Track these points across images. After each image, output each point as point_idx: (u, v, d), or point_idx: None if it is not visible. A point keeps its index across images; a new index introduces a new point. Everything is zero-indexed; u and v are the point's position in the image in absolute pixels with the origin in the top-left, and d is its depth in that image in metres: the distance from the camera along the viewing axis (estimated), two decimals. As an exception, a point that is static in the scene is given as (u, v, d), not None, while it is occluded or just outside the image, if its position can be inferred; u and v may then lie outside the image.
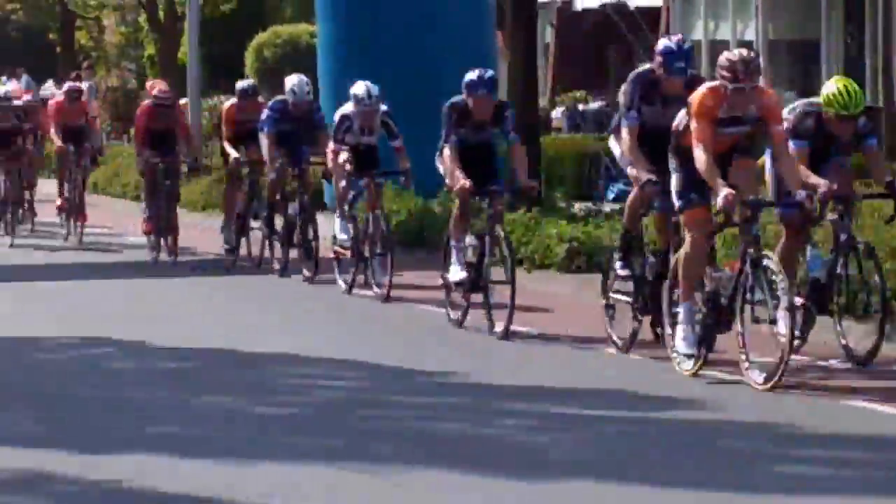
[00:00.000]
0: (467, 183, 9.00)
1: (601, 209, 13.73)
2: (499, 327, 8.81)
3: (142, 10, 25.12)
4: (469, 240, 9.08)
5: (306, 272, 12.23)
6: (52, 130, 14.86)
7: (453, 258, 8.94)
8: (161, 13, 24.00)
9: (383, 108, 11.34)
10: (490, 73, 10.02)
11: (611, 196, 11.80)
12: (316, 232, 12.09)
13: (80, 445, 5.98)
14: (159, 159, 13.02)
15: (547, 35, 24.77)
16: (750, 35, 21.88)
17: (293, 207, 12.34)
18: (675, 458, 5.13)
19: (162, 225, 13.32)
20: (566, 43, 25.04)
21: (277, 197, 12.73)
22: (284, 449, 5.91)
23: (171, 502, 4.75)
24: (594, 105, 20.39)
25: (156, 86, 14.25)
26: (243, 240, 13.55)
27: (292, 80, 12.67)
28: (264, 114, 12.41)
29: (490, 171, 9.52)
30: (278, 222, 12.78)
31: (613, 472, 4.84)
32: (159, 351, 9.52)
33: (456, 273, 8.85)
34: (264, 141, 12.18)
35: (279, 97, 12.70)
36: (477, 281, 9.03)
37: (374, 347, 8.64)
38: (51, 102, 15.91)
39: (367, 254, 11.06)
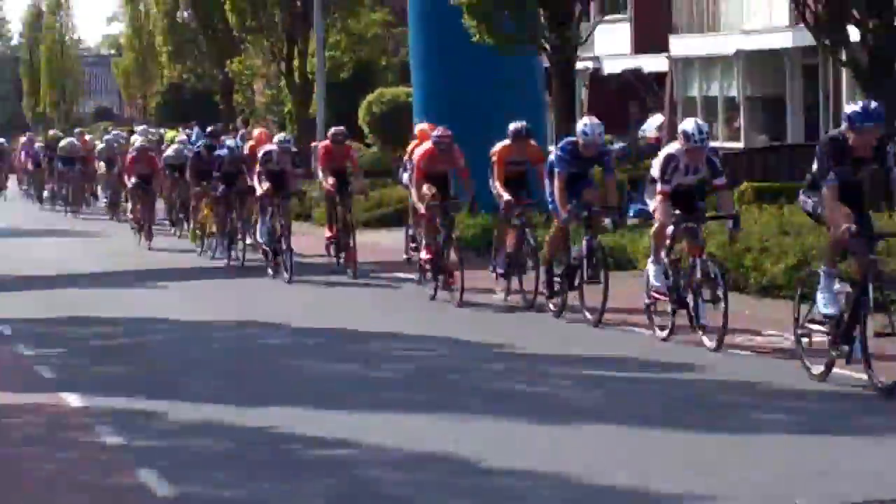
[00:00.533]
0: (852, 227, 6.24)
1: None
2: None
3: (282, 77, 26.24)
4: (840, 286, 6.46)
5: (588, 315, 9.00)
6: (322, 173, 13.17)
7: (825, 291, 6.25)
8: (297, 79, 24.96)
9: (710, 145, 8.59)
10: (875, 104, 6.92)
11: (631, 213, 10.39)
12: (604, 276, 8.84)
13: (248, 401, 5.83)
14: (438, 201, 10.23)
15: (582, 93, 25.02)
16: (733, 92, 21.99)
17: (576, 250, 9.27)
18: None
19: (441, 263, 10.28)
20: (596, 99, 25.42)
21: (562, 241, 9.60)
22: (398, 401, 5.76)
23: (318, 442, 4.76)
24: (617, 146, 20.46)
25: (432, 129, 11.59)
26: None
27: (584, 121, 9.75)
28: (553, 154, 9.66)
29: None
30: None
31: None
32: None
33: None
34: (556, 182, 9.16)
35: (569, 138, 9.79)
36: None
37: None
38: (319, 146, 14.51)
39: (689, 299, 7.97)
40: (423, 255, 10.13)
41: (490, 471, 3.86)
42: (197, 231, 14.94)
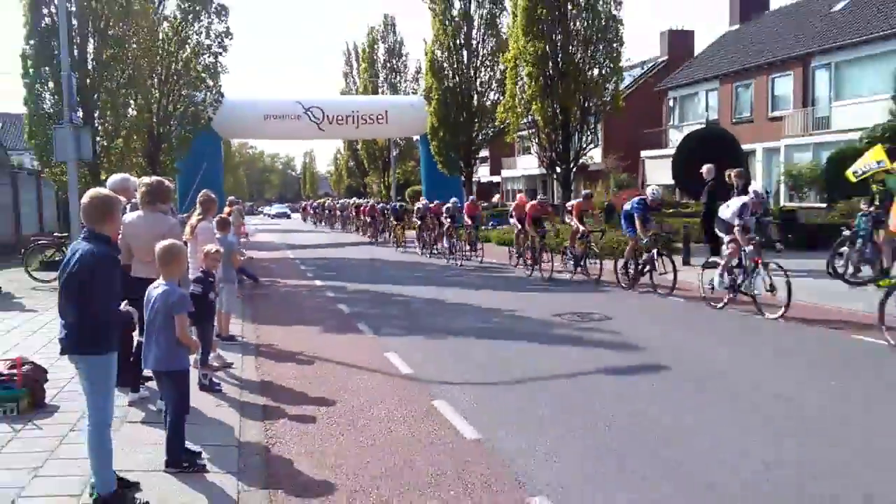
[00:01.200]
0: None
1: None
2: None
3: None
4: None
5: (658, 291, 11.87)
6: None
7: None
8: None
9: None
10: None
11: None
12: None
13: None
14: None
15: (473, 188, 44.57)
16: (520, 185, 43.77)
17: (646, 256, 12.31)
18: None
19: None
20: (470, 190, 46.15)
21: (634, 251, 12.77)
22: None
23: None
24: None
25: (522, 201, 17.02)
26: None
27: (652, 188, 12.74)
28: (631, 206, 12.50)
29: None
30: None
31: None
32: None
33: None
34: (637, 221, 12.17)
35: (640, 198, 12.71)
36: None
37: None
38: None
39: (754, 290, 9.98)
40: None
41: None
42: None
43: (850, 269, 12.08)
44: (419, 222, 22.69)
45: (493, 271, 16.99)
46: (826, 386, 6.47)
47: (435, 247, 21.66)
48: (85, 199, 4.04)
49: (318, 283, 15.49)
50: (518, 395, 6.37)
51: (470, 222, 19.53)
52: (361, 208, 34.79)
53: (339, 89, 55.85)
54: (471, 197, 23.47)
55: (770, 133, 28.45)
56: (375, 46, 48.67)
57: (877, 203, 11.59)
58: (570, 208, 15.18)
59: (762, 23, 33.51)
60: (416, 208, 23.92)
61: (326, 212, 49.62)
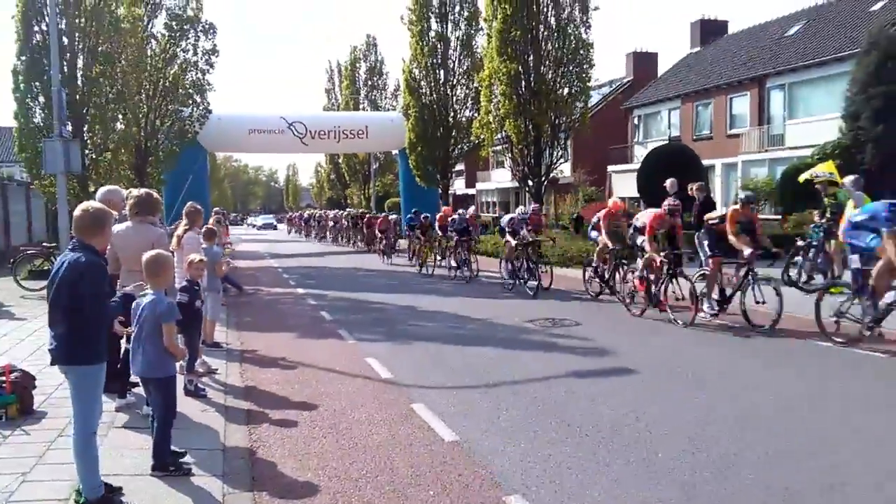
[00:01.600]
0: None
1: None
2: None
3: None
4: None
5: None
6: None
7: None
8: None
9: None
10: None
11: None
12: None
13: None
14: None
15: (450, 199, 41.75)
16: (494, 198, 44.03)
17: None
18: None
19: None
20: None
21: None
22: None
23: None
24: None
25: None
26: None
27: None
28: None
29: None
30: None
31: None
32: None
33: None
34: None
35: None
36: None
37: None
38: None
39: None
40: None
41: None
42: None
43: (804, 278, 12.26)
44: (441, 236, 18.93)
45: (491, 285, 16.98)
46: (781, 384, 6.54)
47: (441, 262, 18.93)
48: (78, 210, 3.97)
49: (300, 290, 15.40)
50: (494, 399, 6.35)
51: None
52: (372, 219, 28.15)
53: (322, 105, 55.80)
54: (471, 208, 21.37)
55: (728, 149, 28.87)
56: (357, 65, 48.82)
57: (828, 215, 11.78)
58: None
59: (721, 46, 34.07)
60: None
61: (316, 223, 44.33)
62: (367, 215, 31.17)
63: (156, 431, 4.52)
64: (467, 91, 29.89)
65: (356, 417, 5.91)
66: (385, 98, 48.01)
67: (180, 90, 21.60)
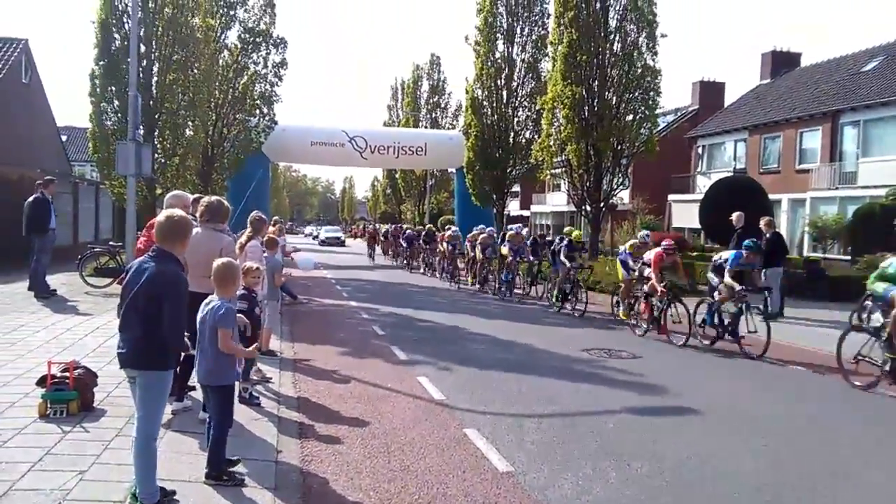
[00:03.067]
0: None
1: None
2: None
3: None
4: None
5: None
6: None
7: None
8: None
9: None
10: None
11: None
12: None
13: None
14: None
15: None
16: (548, 220, 43.49)
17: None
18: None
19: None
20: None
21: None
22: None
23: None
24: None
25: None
26: None
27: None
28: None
29: None
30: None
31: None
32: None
33: None
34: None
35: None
36: None
37: None
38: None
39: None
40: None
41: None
42: None
43: (873, 323, 11.65)
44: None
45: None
46: (819, 420, 6.16)
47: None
48: (162, 217, 4.01)
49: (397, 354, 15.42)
50: (549, 429, 6.17)
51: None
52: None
53: (383, 121, 56.56)
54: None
55: (796, 185, 27.96)
56: (419, 83, 49.34)
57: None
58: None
59: (793, 78, 33.15)
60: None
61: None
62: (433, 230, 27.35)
63: (211, 439, 4.51)
64: (529, 113, 29.78)
65: (408, 438, 5.81)
66: (446, 117, 48.37)
67: (248, 101, 22.18)
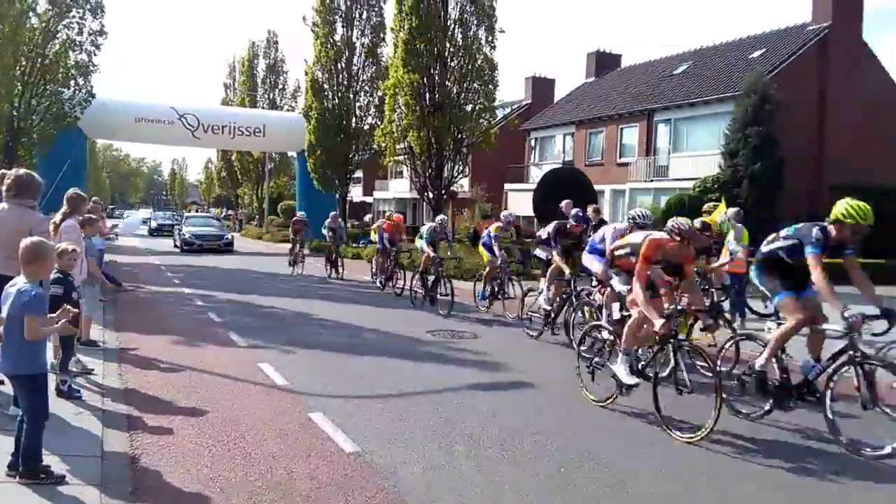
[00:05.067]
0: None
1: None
2: None
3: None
4: None
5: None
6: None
7: None
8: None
9: None
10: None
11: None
12: None
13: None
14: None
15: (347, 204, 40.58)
16: (390, 208, 43.98)
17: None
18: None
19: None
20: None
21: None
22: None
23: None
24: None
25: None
26: None
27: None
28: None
29: None
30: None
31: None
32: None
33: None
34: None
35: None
36: None
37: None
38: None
39: None
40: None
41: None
42: None
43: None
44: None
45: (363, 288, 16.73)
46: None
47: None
48: None
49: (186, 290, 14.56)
50: (395, 409, 6.21)
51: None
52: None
53: (220, 100, 53.77)
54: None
55: (617, 177, 30.26)
56: (256, 61, 47.39)
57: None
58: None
59: (614, 78, 35.76)
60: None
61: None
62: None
63: (25, 434, 4.05)
64: (371, 99, 29.69)
65: (249, 426, 5.59)
66: (284, 98, 46.88)
67: (61, 70, 20.07)
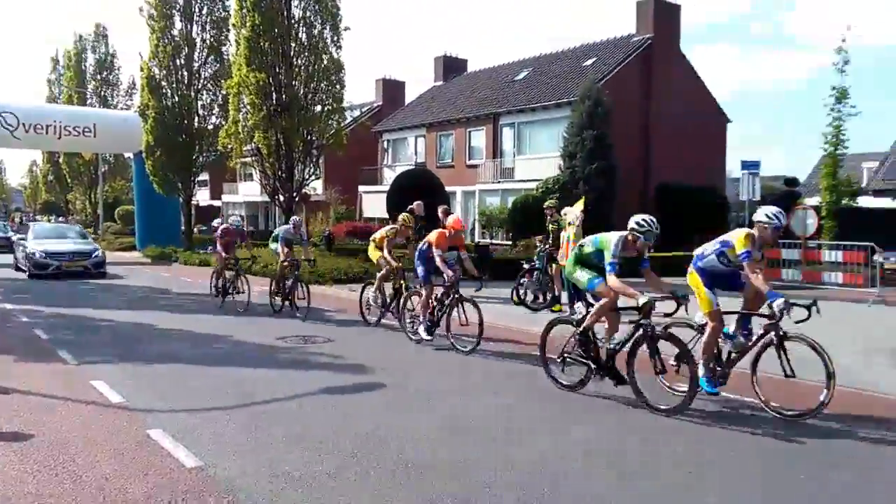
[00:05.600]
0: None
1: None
2: None
3: None
4: None
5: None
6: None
7: None
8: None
9: None
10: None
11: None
12: None
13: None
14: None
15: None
16: (242, 212, 42.62)
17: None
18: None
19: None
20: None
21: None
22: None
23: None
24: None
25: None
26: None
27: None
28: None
29: None
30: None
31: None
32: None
33: None
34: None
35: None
36: None
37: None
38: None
39: None
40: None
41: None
42: None
43: (531, 297, 13.63)
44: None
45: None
46: (494, 397, 7.15)
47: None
48: None
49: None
50: (242, 420, 6.04)
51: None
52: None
53: (45, 97, 49.25)
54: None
55: (467, 178, 31.20)
56: (84, 55, 43.94)
57: (550, 241, 13.24)
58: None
59: (461, 82, 36.81)
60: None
61: None
62: None
63: None
64: (214, 98, 28.51)
65: (79, 448, 5.22)
66: (117, 95, 43.87)
67: None
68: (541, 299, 13.43)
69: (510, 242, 25.26)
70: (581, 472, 4.91)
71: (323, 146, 22.90)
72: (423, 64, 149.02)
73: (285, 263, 12.55)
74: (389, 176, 32.98)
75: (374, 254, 11.60)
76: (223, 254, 13.47)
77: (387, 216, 25.67)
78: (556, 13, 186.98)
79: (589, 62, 29.03)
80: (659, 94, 27.44)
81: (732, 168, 32.87)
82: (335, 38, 22.34)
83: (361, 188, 37.07)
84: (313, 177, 23.64)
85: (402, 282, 10.98)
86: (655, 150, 27.25)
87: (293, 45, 21.88)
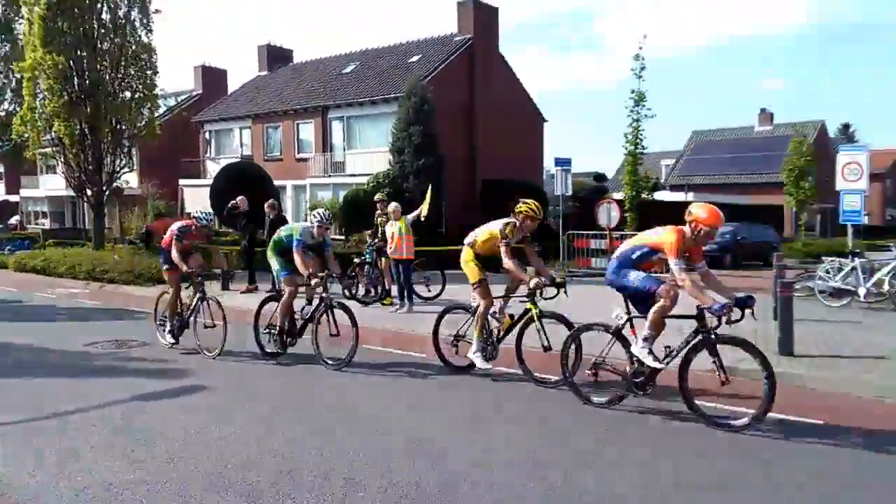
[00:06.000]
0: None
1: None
2: None
3: None
4: None
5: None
6: None
7: None
8: None
9: None
10: None
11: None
12: None
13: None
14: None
15: None
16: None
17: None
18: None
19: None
20: None
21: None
22: None
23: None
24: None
25: None
26: None
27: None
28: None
29: None
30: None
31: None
32: None
33: None
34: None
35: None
36: None
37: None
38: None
39: None
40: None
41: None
42: None
43: (362, 291, 13.66)
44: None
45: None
46: (369, 390, 7.19)
47: None
48: None
49: None
50: (45, 431, 5.54)
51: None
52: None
53: None
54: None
55: (297, 172, 30.57)
56: None
57: (379, 235, 13.33)
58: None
59: (288, 73, 35.91)
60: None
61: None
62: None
63: None
64: (6, 81, 25.58)
65: None
66: None
67: None
68: (372, 293, 13.52)
69: (343, 237, 25.15)
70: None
71: (134, 136, 21.37)
72: (244, 52, 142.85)
73: (313, 281, 8.01)
74: (213, 169, 31.51)
75: (470, 267, 7.43)
76: (185, 267, 8.71)
77: (211, 210, 24.57)
78: (379, 9, 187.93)
79: (415, 59, 29.56)
80: (481, 92, 28.58)
81: (550, 165, 35.11)
82: (145, 21, 20.90)
83: (182, 182, 35.00)
84: (125, 169, 22.00)
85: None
86: (481, 146, 28.38)
87: (97, 26, 20.15)
